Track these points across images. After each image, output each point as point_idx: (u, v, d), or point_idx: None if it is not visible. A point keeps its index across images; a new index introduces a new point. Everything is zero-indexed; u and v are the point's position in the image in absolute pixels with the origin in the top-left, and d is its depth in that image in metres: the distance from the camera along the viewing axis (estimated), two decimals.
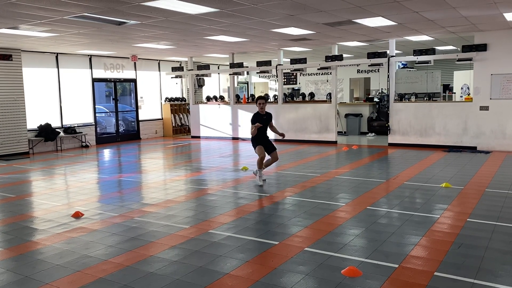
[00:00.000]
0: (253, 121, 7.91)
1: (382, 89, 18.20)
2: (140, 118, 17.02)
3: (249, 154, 12.13)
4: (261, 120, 7.92)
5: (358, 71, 20.66)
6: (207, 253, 4.54)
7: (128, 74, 16.57)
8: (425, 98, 12.87)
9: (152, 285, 3.82)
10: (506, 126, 11.20)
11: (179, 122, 18.24)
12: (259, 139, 8.03)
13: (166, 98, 18.02)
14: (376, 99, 16.70)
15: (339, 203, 6.49)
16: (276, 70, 14.71)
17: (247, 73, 22.76)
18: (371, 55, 12.80)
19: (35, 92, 13.52)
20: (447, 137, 11.98)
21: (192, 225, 5.53)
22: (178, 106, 18.20)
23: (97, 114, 15.44)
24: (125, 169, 10.56)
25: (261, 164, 7.90)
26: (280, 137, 8.26)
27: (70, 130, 14.22)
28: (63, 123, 14.29)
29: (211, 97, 17.38)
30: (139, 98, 16.99)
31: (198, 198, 7.10)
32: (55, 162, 11.53)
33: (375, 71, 19.90)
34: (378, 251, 4.48)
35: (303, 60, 13.99)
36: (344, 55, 15.39)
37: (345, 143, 13.65)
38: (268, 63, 14.66)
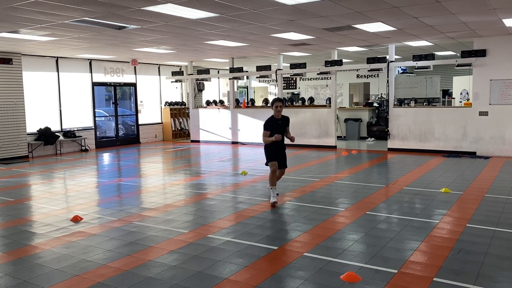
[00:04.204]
0: (266, 126, 6.75)
1: (381, 94, 18.24)
2: (139, 122, 17.02)
3: (248, 159, 12.13)
4: (276, 126, 6.78)
5: (358, 76, 20.75)
6: (206, 258, 4.53)
7: (128, 78, 16.59)
8: (425, 103, 12.89)
9: None
10: (505, 131, 11.21)
11: (179, 126, 18.25)
12: (273, 149, 6.82)
13: (166, 102, 18.04)
14: (375, 104, 16.73)
15: (339, 208, 6.48)
16: (276, 74, 14.73)
17: (247, 77, 22.80)
18: (370, 60, 12.83)
19: (35, 96, 13.52)
20: (447, 142, 11.98)
21: (191, 230, 5.53)
22: (178, 110, 18.23)
23: (96, 118, 15.44)
24: (125, 173, 10.55)
25: (273, 181, 6.84)
26: (290, 142, 7.01)
27: (69, 134, 14.21)
28: (63, 127, 14.28)
29: (211, 101, 17.45)
30: (139, 102, 17.01)
31: (197, 202, 7.09)
32: (54, 166, 11.52)
33: (374, 76, 19.98)
34: (377, 257, 4.47)
35: (302, 65, 14.02)
36: (344, 60, 15.43)
37: (345, 148, 13.65)
38: (268, 67, 14.68)
